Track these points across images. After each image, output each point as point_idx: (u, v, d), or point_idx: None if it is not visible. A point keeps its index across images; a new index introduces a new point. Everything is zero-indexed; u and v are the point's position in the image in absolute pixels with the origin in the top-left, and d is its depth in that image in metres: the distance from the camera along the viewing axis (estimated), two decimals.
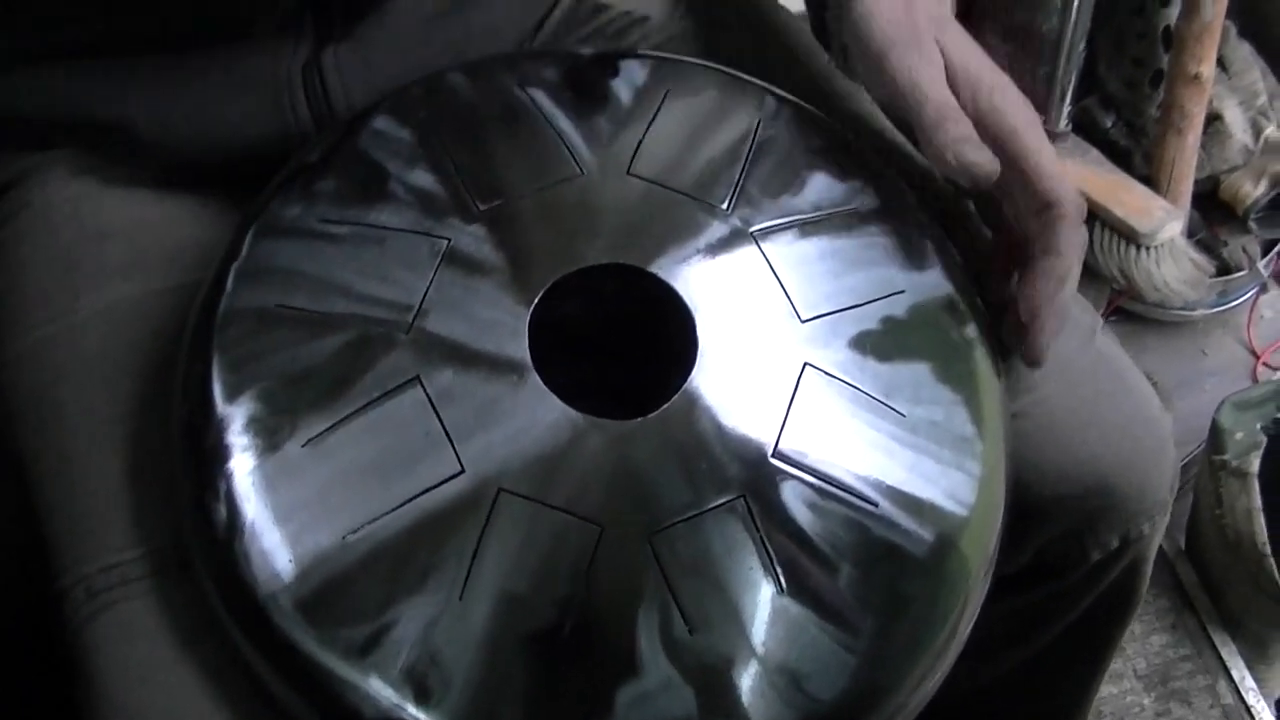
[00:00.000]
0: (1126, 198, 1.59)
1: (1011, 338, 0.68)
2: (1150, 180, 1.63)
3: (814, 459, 0.60)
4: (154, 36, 0.75)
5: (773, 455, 0.60)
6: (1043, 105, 1.67)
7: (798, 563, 0.59)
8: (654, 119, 0.70)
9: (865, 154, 0.73)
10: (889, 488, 0.61)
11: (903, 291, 0.67)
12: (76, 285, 0.74)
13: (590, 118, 0.70)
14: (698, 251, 0.65)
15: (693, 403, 0.60)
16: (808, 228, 0.67)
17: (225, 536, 0.60)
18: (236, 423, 0.61)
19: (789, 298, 0.64)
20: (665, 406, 0.60)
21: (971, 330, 0.67)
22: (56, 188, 0.79)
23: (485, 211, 0.65)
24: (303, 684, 0.59)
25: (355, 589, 0.58)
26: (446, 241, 0.64)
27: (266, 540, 0.59)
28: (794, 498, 0.60)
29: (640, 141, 0.69)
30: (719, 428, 0.60)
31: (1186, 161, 1.62)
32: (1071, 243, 0.67)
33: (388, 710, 0.57)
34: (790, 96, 0.75)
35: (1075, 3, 1.56)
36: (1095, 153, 1.65)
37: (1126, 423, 0.80)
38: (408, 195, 0.67)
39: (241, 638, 0.60)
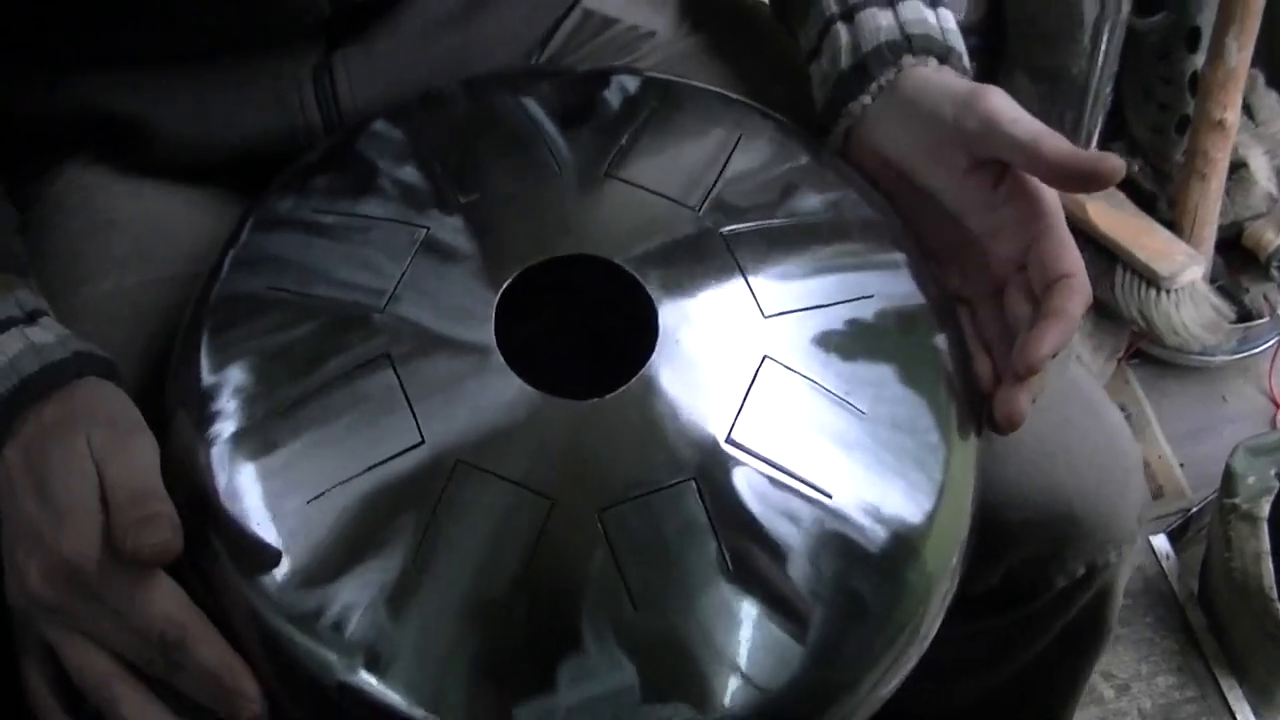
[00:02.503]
0: (1148, 241, 1.60)
1: (1000, 396, 0.68)
2: (1174, 225, 1.65)
3: (768, 448, 0.62)
4: (173, 42, 0.78)
5: (726, 441, 0.62)
6: None
7: (747, 548, 0.60)
8: (637, 128, 0.73)
9: (849, 171, 0.75)
10: (844, 481, 0.62)
11: (871, 297, 0.68)
12: (80, 274, 0.77)
13: (575, 125, 0.73)
14: (666, 247, 0.67)
15: (649, 387, 0.62)
16: (779, 232, 0.69)
17: (198, 501, 0.62)
18: (219, 394, 0.64)
19: (753, 294, 0.66)
20: (621, 390, 0.62)
21: (941, 341, 0.69)
22: (70, 180, 0.82)
23: (464, 204, 0.68)
24: (260, 646, 0.61)
25: (314, 553, 0.60)
26: (425, 230, 0.67)
27: (235, 506, 0.62)
28: (746, 484, 0.61)
29: (620, 146, 0.71)
30: (674, 412, 0.62)
31: (1210, 207, 1.63)
32: (1078, 308, 0.68)
33: (338, 673, 0.59)
34: (778, 115, 0.77)
35: (1102, 47, 1.58)
36: (1120, 196, 1.66)
37: (1094, 452, 0.81)
38: (394, 189, 0.70)
39: (210, 602, 0.62)
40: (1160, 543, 1.56)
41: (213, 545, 0.62)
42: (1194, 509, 1.60)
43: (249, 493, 0.62)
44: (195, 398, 0.65)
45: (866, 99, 0.75)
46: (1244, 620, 1.40)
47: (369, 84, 0.79)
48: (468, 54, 0.82)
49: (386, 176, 0.70)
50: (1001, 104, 0.69)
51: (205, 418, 0.64)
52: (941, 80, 0.73)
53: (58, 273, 0.77)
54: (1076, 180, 0.68)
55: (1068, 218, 1.58)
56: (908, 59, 0.74)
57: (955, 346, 0.69)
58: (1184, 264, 1.58)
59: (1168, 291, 1.58)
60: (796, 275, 0.68)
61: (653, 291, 0.65)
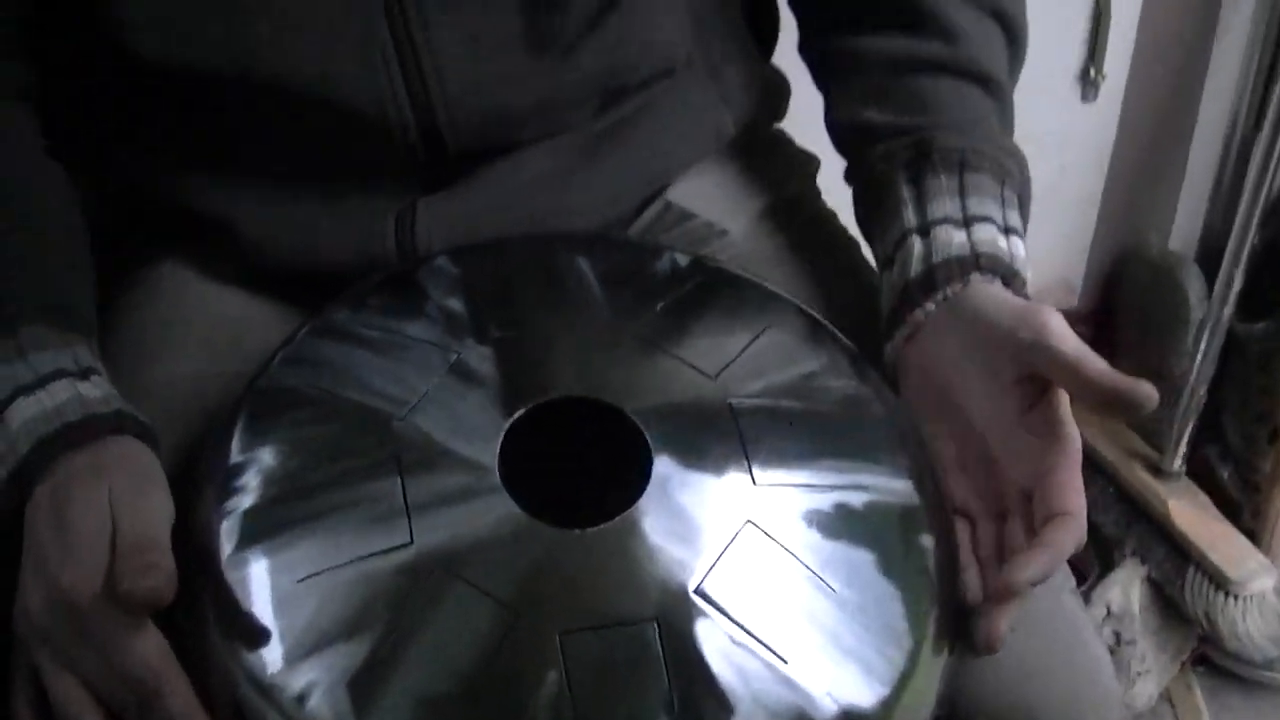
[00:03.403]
0: (1224, 545, 1.61)
1: (981, 617, 0.69)
2: (1253, 533, 1.64)
3: (734, 605, 0.64)
4: (275, 162, 0.86)
5: (695, 592, 0.64)
6: (1160, 445, 1.71)
7: (696, 694, 0.62)
8: (675, 299, 0.78)
9: (872, 376, 0.78)
10: (803, 651, 0.64)
11: (865, 488, 0.71)
12: (151, 355, 0.85)
13: (618, 286, 0.79)
14: (674, 405, 0.72)
15: (631, 528, 0.66)
16: (786, 412, 0.73)
17: (203, 563, 0.67)
18: (242, 472, 0.70)
19: (749, 462, 0.69)
20: (604, 525, 0.66)
21: (927, 541, 0.71)
22: (163, 274, 0.90)
23: (497, 338, 0.74)
24: (229, 709, 0.65)
25: (293, 630, 0.64)
26: (457, 355, 0.72)
27: (234, 574, 0.66)
28: (706, 635, 0.64)
29: (654, 311, 0.76)
30: (650, 555, 0.65)
31: None
32: (1069, 546, 0.70)
33: None
34: (815, 314, 0.81)
35: (1201, 348, 1.60)
36: (1204, 498, 1.67)
37: (1073, 680, 0.81)
38: (438, 315, 0.76)
39: (195, 659, 0.66)
40: None
41: (205, 606, 0.66)
42: None
43: (248, 564, 0.66)
44: (221, 472, 0.70)
45: (930, 306, 0.79)
46: None
47: (446, 232, 0.85)
48: (546, 224, 0.88)
49: (435, 304, 0.76)
50: (1055, 321, 0.73)
51: (226, 491, 0.69)
52: (1004, 295, 0.77)
53: (132, 350, 0.84)
54: (1113, 401, 0.71)
55: (1149, 512, 1.61)
56: (976, 275, 0.78)
57: (943, 551, 0.71)
58: (1256, 572, 1.57)
59: (1236, 597, 1.58)
60: (794, 454, 0.71)
61: (652, 442, 0.69)
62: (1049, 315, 0.73)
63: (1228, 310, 1.59)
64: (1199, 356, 1.62)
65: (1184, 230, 1.85)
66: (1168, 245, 1.84)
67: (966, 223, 0.81)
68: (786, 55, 1.04)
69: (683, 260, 0.81)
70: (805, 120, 1.04)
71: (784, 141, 1.05)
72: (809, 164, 1.03)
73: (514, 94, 0.85)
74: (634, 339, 0.75)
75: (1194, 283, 1.73)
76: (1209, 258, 1.77)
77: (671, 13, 0.90)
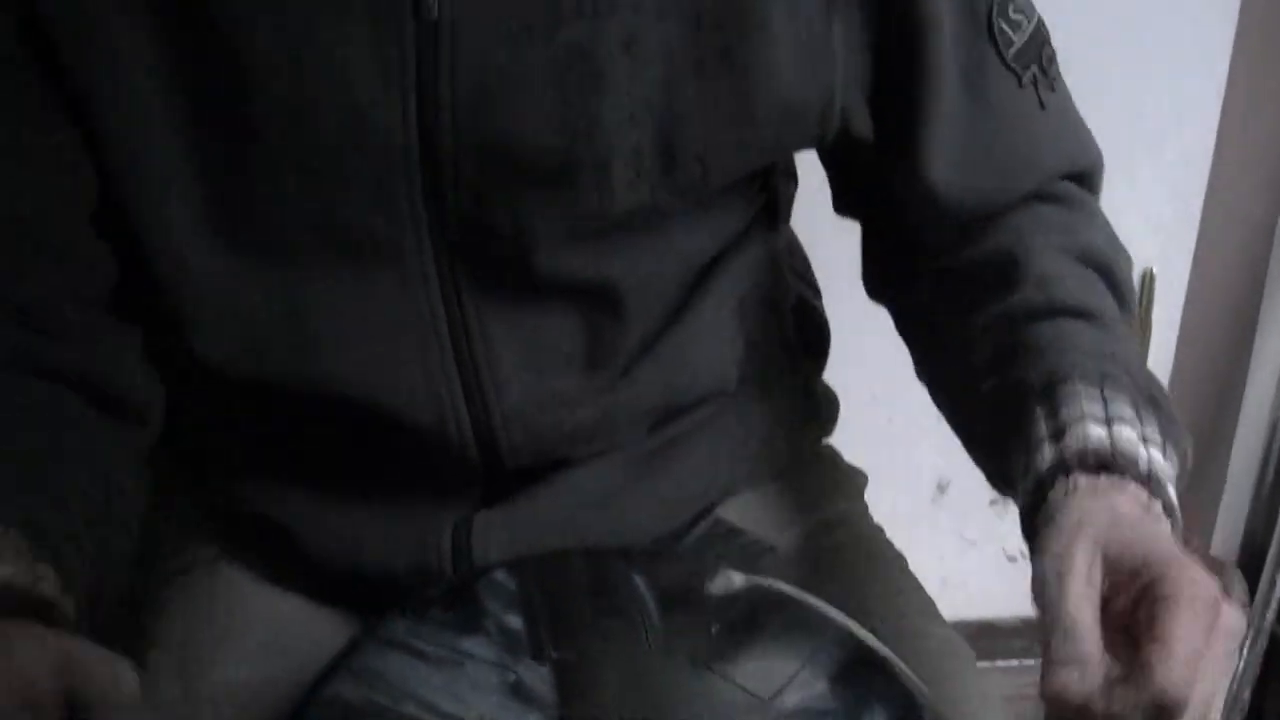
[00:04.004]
0: None
1: None
2: None
3: None
4: (331, 467, 0.89)
5: None
6: None
7: None
8: (729, 622, 0.79)
9: (920, 693, 0.79)
10: None
11: None
12: (207, 660, 0.86)
13: (674, 607, 0.80)
14: None
15: None
16: None
17: None
18: None
19: None
20: None
21: None
22: (218, 571, 0.92)
23: (555, 659, 0.75)
24: None
25: None
26: (515, 676, 0.74)
27: None
28: None
29: (709, 634, 0.78)
30: None
31: None
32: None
33: None
34: (864, 633, 0.82)
35: (1244, 653, 1.60)
36: None
37: None
38: (497, 633, 0.77)
39: None
40: None
41: None
42: None
43: None
44: None
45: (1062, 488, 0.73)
46: None
47: (501, 546, 0.87)
48: (598, 539, 0.90)
49: (493, 620, 0.78)
50: (1185, 590, 0.65)
51: None
52: (1137, 515, 0.72)
53: (191, 655, 0.85)
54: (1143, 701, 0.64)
55: None
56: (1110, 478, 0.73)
57: None
58: None
59: None
60: None
61: None
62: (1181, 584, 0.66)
63: (1270, 615, 1.59)
64: (1241, 661, 1.62)
65: (1226, 536, 1.86)
66: (1209, 551, 1.85)
67: (1107, 421, 0.75)
68: (834, 369, 1.07)
69: (737, 580, 0.83)
70: (853, 436, 1.07)
71: (832, 457, 1.07)
72: (857, 479, 1.05)
73: (570, 412, 0.87)
74: (689, 661, 0.76)
75: (1236, 588, 1.73)
76: (1251, 563, 1.78)
77: (725, 335, 0.93)
